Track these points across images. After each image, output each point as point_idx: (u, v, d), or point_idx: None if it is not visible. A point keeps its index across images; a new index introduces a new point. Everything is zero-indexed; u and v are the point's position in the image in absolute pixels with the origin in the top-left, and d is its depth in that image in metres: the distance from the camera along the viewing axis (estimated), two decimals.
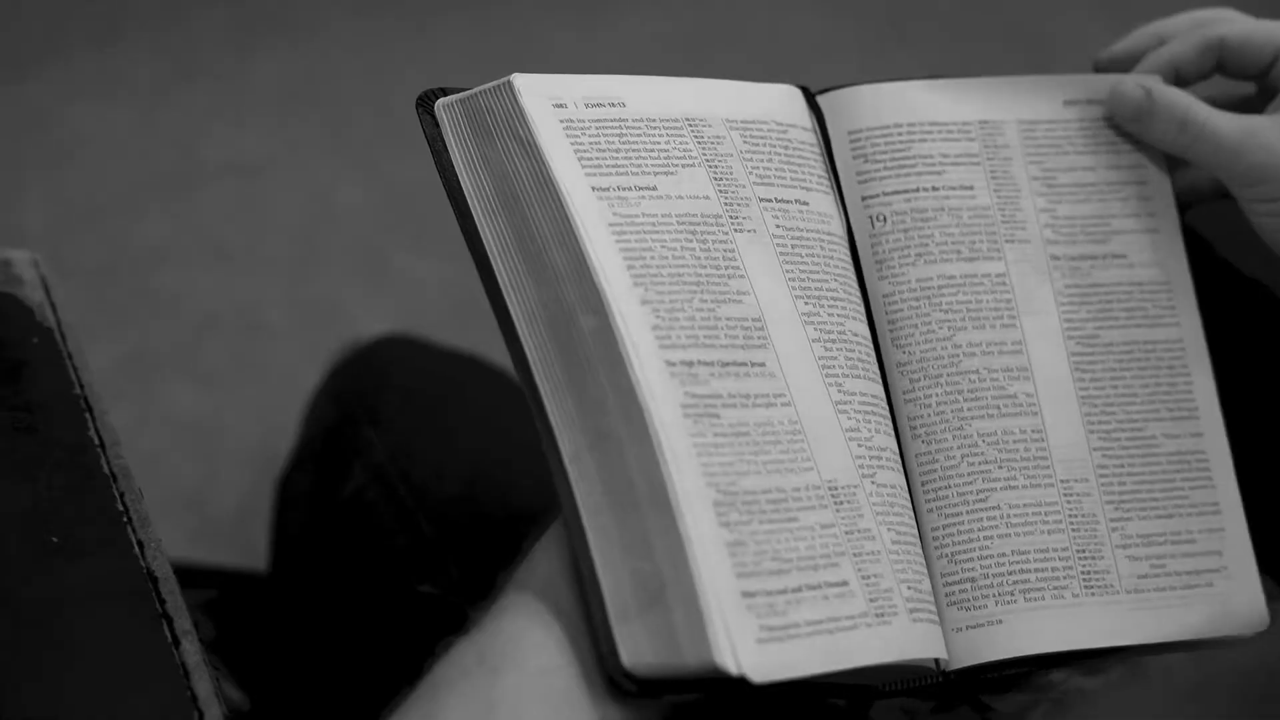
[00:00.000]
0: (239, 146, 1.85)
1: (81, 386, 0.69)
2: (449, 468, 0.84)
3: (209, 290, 1.67)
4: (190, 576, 0.90)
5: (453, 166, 0.62)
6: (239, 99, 1.91)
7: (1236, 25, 0.73)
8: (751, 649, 0.56)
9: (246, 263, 1.71)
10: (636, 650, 0.57)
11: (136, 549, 0.63)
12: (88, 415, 0.68)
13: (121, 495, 0.65)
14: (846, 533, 0.61)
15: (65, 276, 1.60)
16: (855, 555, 0.61)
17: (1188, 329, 0.71)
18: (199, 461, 1.51)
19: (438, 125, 0.63)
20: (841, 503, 0.61)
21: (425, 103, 0.63)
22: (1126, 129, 0.72)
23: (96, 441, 0.67)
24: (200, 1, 2.04)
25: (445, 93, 0.63)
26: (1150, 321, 0.71)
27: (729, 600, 0.57)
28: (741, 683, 0.56)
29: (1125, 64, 0.75)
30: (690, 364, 0.60)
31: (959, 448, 0.66)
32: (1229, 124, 0.70)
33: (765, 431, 0.60)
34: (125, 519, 0.64)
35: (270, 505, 0.99)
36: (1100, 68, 0.75)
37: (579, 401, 0.59)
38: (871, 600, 0.60)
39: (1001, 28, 2.15)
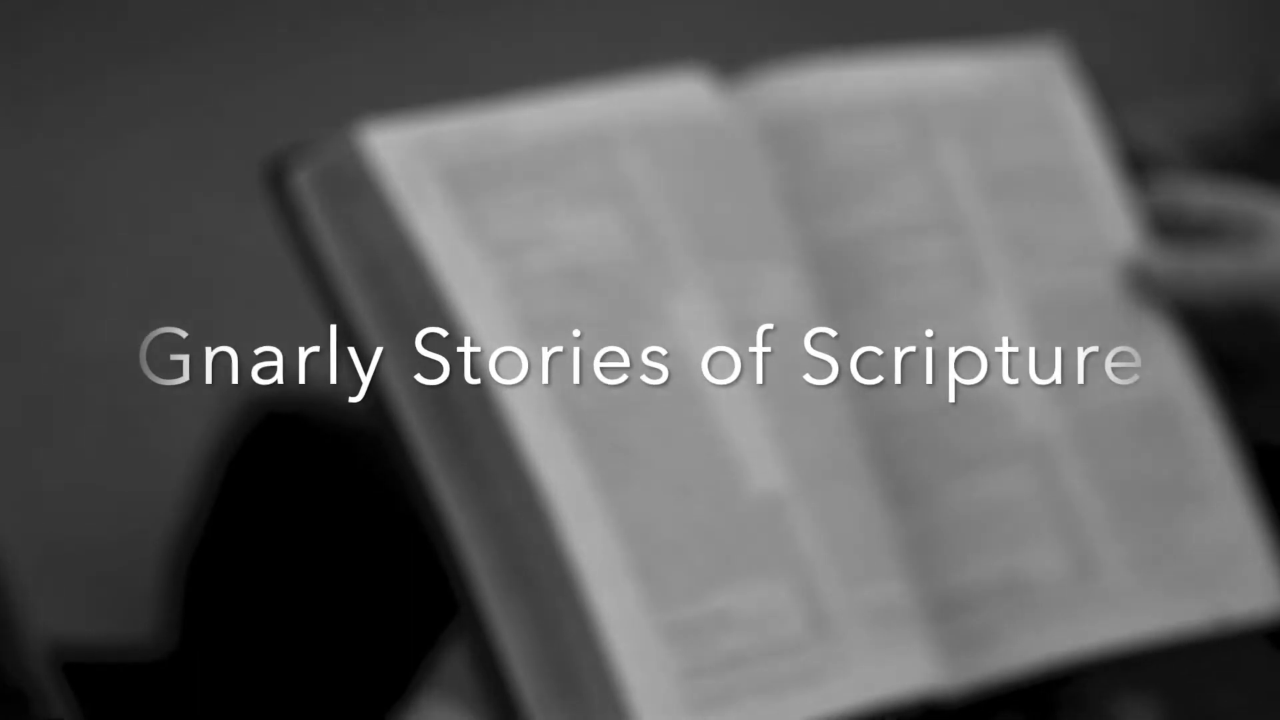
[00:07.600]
0: (127, 188, 1.81)
1: None
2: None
3: (100, 340, 1.65)
4: (83, 668, 0.87)
5: (311, 235, 0.57)
6: (123, 135, 1.86)
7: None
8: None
9: (138, 310, 1.68)
10: None
11: None
12: None
13: None
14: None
15: None
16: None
17: None
18: (91, 523, 1.49)
19: (291, 192, 0.57)
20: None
21: (274, 168, 0.57)
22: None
23: None
24: (59, 25, 1.97)
25: (296, 150, 0.57)
26: None
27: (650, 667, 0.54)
28: None
29: None
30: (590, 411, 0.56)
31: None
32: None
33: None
34: None
35: (164, 579, 0.96)
36: None
37: (470, 477, 0.55)
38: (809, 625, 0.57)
39: (936, 27, 2.13)
